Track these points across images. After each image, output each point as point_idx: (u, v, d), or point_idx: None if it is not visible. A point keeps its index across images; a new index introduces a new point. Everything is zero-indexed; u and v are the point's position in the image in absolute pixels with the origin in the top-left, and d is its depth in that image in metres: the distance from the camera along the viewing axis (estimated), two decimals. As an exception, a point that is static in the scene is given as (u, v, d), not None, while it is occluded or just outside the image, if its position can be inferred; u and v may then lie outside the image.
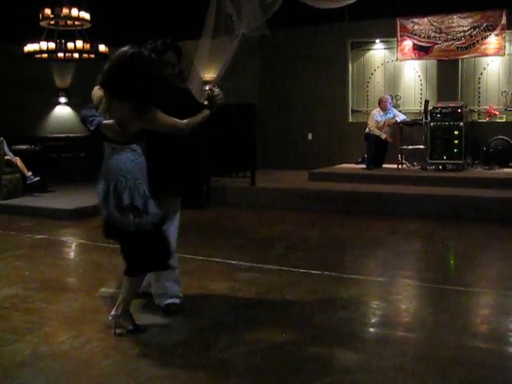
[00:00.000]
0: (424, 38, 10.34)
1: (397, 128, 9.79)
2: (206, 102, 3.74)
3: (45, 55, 9.82)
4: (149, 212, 3.32)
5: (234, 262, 5.21)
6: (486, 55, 10.10)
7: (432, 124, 9.24)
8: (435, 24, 10.24)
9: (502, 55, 9.96)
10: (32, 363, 3.07)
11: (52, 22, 9.46)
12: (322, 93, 11.26)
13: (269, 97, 11.74)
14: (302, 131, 11.51)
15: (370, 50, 11.40)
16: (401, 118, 9.89)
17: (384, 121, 9.80)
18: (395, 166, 9.59)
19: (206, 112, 3.63)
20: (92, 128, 3.31)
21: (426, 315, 3.86)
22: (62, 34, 9.66)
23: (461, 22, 10.04)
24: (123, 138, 3.30)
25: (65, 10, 9.09)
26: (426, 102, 9.69)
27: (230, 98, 9.42)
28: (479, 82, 10.49)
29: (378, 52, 11.35)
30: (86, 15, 9.38)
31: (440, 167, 9.24)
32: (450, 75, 10.37)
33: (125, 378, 2.91)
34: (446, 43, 10.18)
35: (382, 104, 9.89)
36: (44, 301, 4.15)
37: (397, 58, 10.79)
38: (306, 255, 5.59)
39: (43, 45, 9.45)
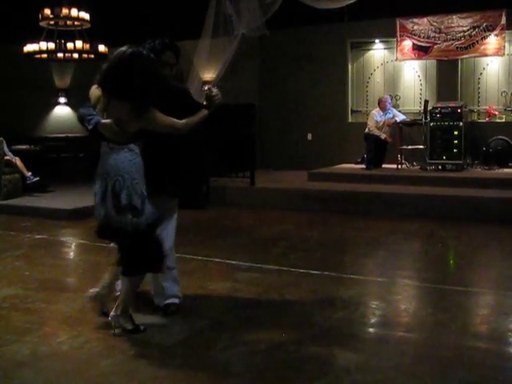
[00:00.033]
0: (424, 38, 10.34)
1: (396, 128, 9.79)
2: (204, 102, 3.75)
3: (44, 55, 9.82)
4: (145, 212, 3.32)
5: (233, 262, 5.21)
6: (486, 55, 10.10)
7: (431, 124, 9.24)
8: (435, 24, 10.25)
9: (501, 55, 9.97)
10: (31, 363, 3.07)
11: (52, 22, 9.47)
12: (322, 93, 11.26)
13: (268, 97, 11.74)
14: (302, 131, 11.51)
15: (369, 50, 11.40)
16: (400, 118, 9.89)
17: (384, 121, 9.81)
18: (395, 166, 9.59)
19: (205, 112, 3.63)
20: (90, 127, 3.29)
21: (426, 315, 3.86)
22: (61, 34, 9.67)
23: (460, 22, 10.05)
24: (121, 138, 3.30)
25: (64, 11, 9.09)
26: (426, 102, 9.69)
27: (229, 98, 9.47)
28: (479, 82, 10.50)
29: (377, 52, 11.35)
30: (85, 15, 9.38)
31: (439, 167, 9.24)
32: (449, 75, 10.38)
33: (124, 378, 2.91)
34: (445, 43, 10.19)
35: (381, 104, 9.89)
36: (43, 301, 4.15)
37: (396, 58, 10.80)
38: (306, 255, 5.59)
39: (43, 45, 9.45)
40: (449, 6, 9.87)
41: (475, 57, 10.24)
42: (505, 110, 10.19)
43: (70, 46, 9.48)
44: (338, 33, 11.10)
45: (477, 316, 3.95)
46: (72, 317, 3.74)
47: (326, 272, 4.84)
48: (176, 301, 3.83)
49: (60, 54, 9.86)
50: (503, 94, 10.26)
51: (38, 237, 6.58)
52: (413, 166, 9.81)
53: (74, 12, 9.18)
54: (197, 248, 5.74)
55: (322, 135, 11.32)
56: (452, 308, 3.96)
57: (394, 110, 10.06)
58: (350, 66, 11.39)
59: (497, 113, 10.13)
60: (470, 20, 9.98)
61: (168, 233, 3.77)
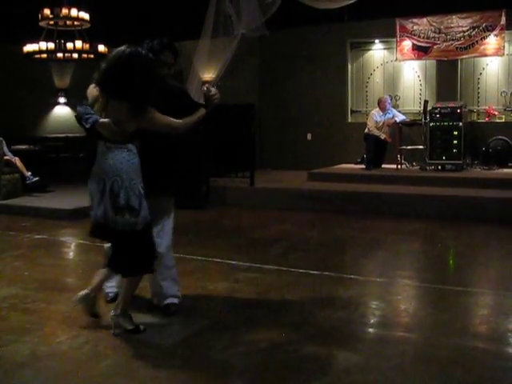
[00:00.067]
0: (423, 38, 10.35)
1: (396, 128, 9.79)
2: (203, 102, 3.75)
3: (44, 55, 9.80)
4: (142, 212, 3.33)
5: (233, 262, 5.21)
6: (486, 55, 10.11)
7: (431, 124, 9.24)
8: (434, 24, 10.25)
9: (501, 55, 9.98)
10: (31, 363, 3.06)
11: (51, 22, 9.45)
12: (322, 93, 11.27)
13: (268, 97, 11.75)
14: (302, 131, 11.52)
15: (369, 50, 11.41)
16: (400, 118, 9.90)
17: (383, 121, 9.81)
18: (394, 166, 9.59)
19: (203, 111, 3.64)
20: (87, 126, 3.27)
21: (425, 315, 3.86)
22: (61, 34, 9.65)
23: (460, 23, 10.06)
24: (119, 138, 3.30)
25: (64, 10, 9.08)
26: (426, 102, 9.70)
27: (229, 98, 9.47)
28: (478, 83, 10.50)
29: (377, 52, 11.35)
30: (85, 15, 9.37)
31: (439, 167, 9.24)
32: (449, 75, 10.38)
33: (124, 378, 2.91)
34: (445, 43, 10.19)
35: (381, 104, 9.89)
36: (43, 301, 4.15)
37: (396, 59, 10.81)
38: (306, 255, 5.59)
39: (42, 45, 9.44)
40: (448, 6, 9.88)
41: (475, 57, 10.24)
42: (504, 110, 10.20)
43: (69, 45, 9.47)
44: (338, 33, 11.10)
45: (476, 316, 3.95)
46: (71, 317, 3.74)
47: (326, 272, 4.84)
48: (175, 301, 3.83)
49: (60, 54, 9.85)
50: (503, 94, 10.27)
51: (37, 237, 6.58)
52: (412, 166, 9.81)
53: (74, 12, 9.16)
54: (196, 248, 5.74)
55: (321, 135, 11.33)
56: (452, 308, 3.96)
57: (394, 111, 10.06)
58: (349, 66, 11.40)
59: (496, 113, 10.14)
60: (469, 20, 9.99)
61: (165, 232, 3.78)
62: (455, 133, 9.08)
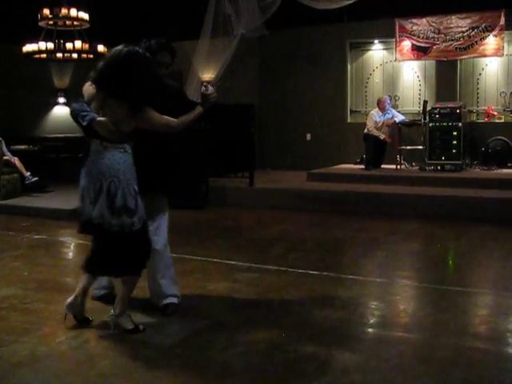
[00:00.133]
0: (423, 38, 10.35)
1: (395, 128, 9.80)
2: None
3: (43, 55, 9.80)
4: (138, 211, 3.33)
5: (232, 263, 5.21)
6: (485, 56, 10.11)
7: (430, 124, 9.25)
8: (434, 25, 10.26)
9: (500, 56, 9.98)
10: (30, 363, 3.06)
11: (51, 22, 9.45)
12: (321, 93, 11.27)
13: (267, 97, 11.75)
14: (301, 131, 11.52)
15: (368, 50, 11.41)
16: (399, 118, 9.90)
17: (383, 121, 9.82)
18: (394, 166, 9.60)
19: (200, 109, 3.64)
20: (84, 123, 3.25)
21: (425, 316, 3.86)
22: (60, 34, 9.65)
23: (459, 23, 10.06)
24: (116, 137, 3.29)
25: (63, 10, 9.08)
26: (425, 102, 9.70)
27: (228, 99, 9.48)
28: (478, 83, 10.51)
29: (376, 52, 11.35)
30: (84, 15, 9.37)
31: (438, 168, 9.25)
32: (448, 76, 10.39)
33: (123, 378, 2.91)
34: (444, 44, 10.20)
35: (380, 104, 9.89)
36: (42, 301, 4.14)
37: (395, 59, 10.81)
38: (305, 255, 5.59)
39: (42, 45, 9.43)
40: (448, 7, 9.88)
41: (474, 57, 10.25)
42: (504, 110, 10.20)
43: (69, 46, 9.46)
44: (337, 33, 11.11)
45: (476, 316, 3.95)
46: (71, 317, 3.73)
47: (325, 272, 4.84)
48: (175, 300, 3.83)
49: (59, 54, 9.84)
50: (502, 95, 10.27)
51: (36, 237, 6.57)
52: (412, 166, 9.82)
53: (73, 12, 9.16)
54: (196, 248, 5.74)
55: (321, 135, 11.33)
56: (451, 308, 3.96)
57: (393, 111, 10.07)
58: (349, 67, 11.40)
59: (496, 113, 10.14)
60: (468, 20, 9.99)
61: (161, 229, 3.79)
62: (454, 133, 9.09)
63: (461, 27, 10.05)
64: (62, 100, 12.92)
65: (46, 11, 9.10)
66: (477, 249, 5.91)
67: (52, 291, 4.39)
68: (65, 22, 9.59)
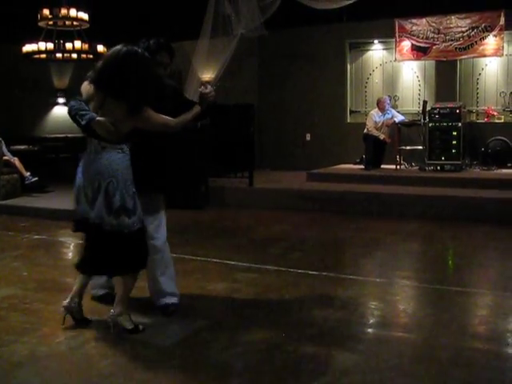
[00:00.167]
0: (422, 38, 10.35)
1: (395, 129, 9.80)
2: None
3: (43, 55, 9.80)
4: (137, 211, 3.33)
5: (232, 263, 5.21)
6: (485, 56, 10.11)
7: (430, 125, 9.25)
8: (433, 25, 10.26)
9: (500, 56, 9.99)
10: (30, 364, 3.06)
11: (50, 23, 9.45)
12: (321, 93, 11.27)
13: (267, 97, 11.74)
14: (301, 131, 11.52)
15: (368, 50, 11.41)
16: (399, 118, 9.90)
17: (382, 121, 9.82)
18: (393, 166, 9.59)
19: (197, 109, 3.64)
20: (83, 123, 3.25)
21: (424, 316, 3.86)
22: (60, 35, 9.65)
23: (459, 23, 10.06)
24: (114, 138, 3.29)
25: (63, 11, 9.08)
26: (425, 102, 9.70)
27: (228, 99, 9.47)
28: (477, 83, 10.51)
29: (376, 52, 11.36)
30: (84, 16, 9.37)
31: (438, 168, 9.25)
32: (448, 76, 10.39)
33: (123, 378, 2.91)
34: (444, 44, 10.20)
35: (380, 104, 9.89)
36: (42, 301, 4.15)
37: (395, 59, 10.81)
38: (305, 256, 5.59)
39: (42, 45, 9.43)
40: (447, 7, 9.88)
41: (474, 57, 10.25)
42: (503, 110, 10.20)
43: (68, 46, 9.46)
44: (337, 33, 11.11)
45: (475, 317, 3.95)
46: (70, 317, 3.74)
47: (325, 272, 4.84)
48: (174, 300, 3.83)
49: (59, 55, 9.84)
50: (502, 95, 10.28)
51: (36, 237, 6.57)
52: (411, 166, 9.82)
53: (73, 12, 9.16)
54: (195, 248, 5.74)
55: (320, 136, 11.33)
56: (451, 308, 3.96)
57: (393, 111, 10.07)
58: (348, 67, 11.40)
59: (495, 113, 10.14)
60: (468, 21, 9.99)
61: (161, 227, 3.80)
62: (454, 133, 9.08)
63: (460, 27, 10.05)
64: (61, 100, 12.92)
65: (46, 11, 9.10)
66: (476, 249, 5.91)
67: (52, 291, 4.39)
68: (64, 23, 9.59)
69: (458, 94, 10.40)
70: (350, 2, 8.68)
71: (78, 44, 9.45)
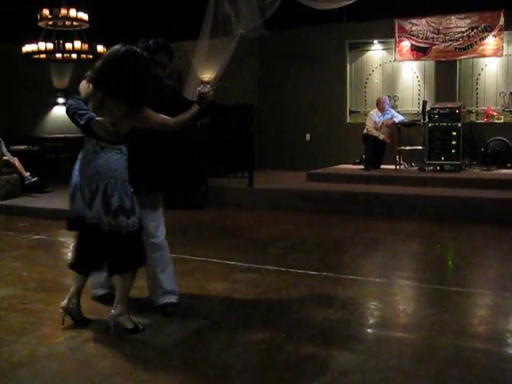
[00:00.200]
0: (422, 38, 10.36)
1: (395, 129, 9.80)
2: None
3: (43, 56, 9.80)
4: (135, 211, 3.33)
5: (232, 263, 5.21)
6: (484, 56, 10.12)
7: (430, 125, 9.25)
8: (433, 25, 10.26)
9: (499, 56, 9.99)
10: (29, 364, 3.06)
11: (50, 23, 9.45)
12: (320, 93, 11.27)
13: (267, 97, 11.75)
14: (300, 132, 11.52)
15: (368, 50, 11.41)
16: (399, 118, 9.91)
17: (382, 121, 9.82)
18: (393, 166, 9.60)
19: (196, 108, 3.65)
20: (82, 122, 3.24)
21: (424, 316, 3.86)
22: (60, 35, 9.65)
23: (459, 23, 10.07)
24: (113, 138, 3.29)
25: (63, 11, 9.08)
26: (424, 102, 9.70)
27: (228, 99, 9.47)
28: (477, 83, 10.51)
29: (376, 53, 11.36)
30: (84, 16, 9.37)
31: (438, 168, 9.25)
32: (447, 76, 10.39)
33: (122, 378, 2.90)
34: (444, 44, 10.20)
35: (379, 105, 9.89)
36: (42, 301, 4.14)
37: (395, 59, 10.82)
38: (304, 256, 5.59)
39: (41, 45, 9.44)
40: (447, 7, 9.88)
41: (473, 57, 10.25)
42: (503, 110, 10.20)
43: (68, 46, 9.47)
44: (337, 33, 11.11)
45: (475, 317, 3.95)
46: (70, 317, 3.74)
47: (325, 273, 4.84)
48: (174, 299, 3.83)
49: (58, 55, 9.84)
50: (501, 95, 10.28)
51: (36, 237, 6.57)
52: (411, 166, 9.82)
53: (73, 12, 9.16)
54: (195, 248, 5.73)
55: (320, 136, 11.33)
56: (450, 308, 3.96)
57: (393, 111, 10.07)
58: (348, 67, 11.40)
59: (495, 113, 10.15)
60: (468, 21, 9.99)
61: (159, 226, 3.81)
62: (454, 133, 9.09)
63: (460, 27, 10.06)
64: (61, 100, 12.91)
65: (46, 11, 9.10)
66: (476, 249, 5.91)
67: (51, 291, 4.38)
68: (64, 23, 9.59)
69: (458, 94, 10.40)
70: (350, 2, 8.69)
71: (77, 44, 9.46)
